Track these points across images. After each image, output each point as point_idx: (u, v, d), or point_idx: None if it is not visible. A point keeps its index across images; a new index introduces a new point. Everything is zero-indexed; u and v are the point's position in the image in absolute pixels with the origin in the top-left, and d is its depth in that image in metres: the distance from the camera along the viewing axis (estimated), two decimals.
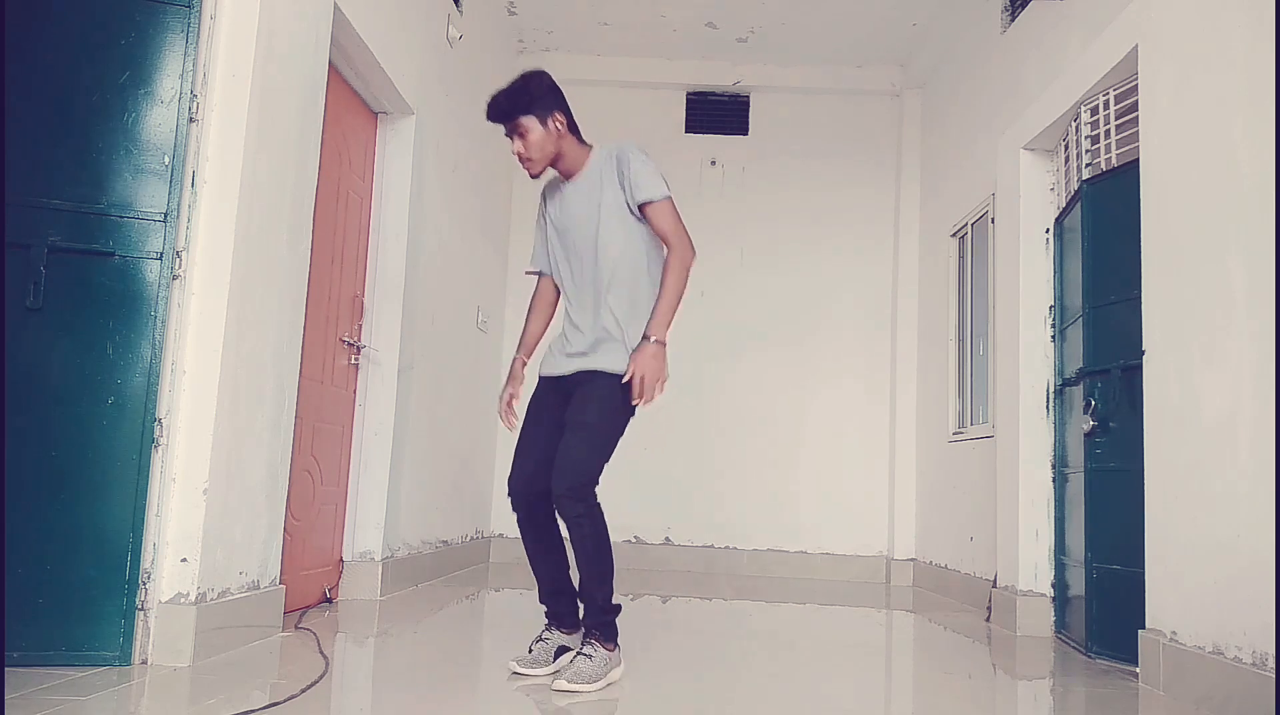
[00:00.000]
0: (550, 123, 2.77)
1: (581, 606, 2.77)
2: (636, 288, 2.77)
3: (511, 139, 2.80)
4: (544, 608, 2.88)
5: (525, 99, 2.76)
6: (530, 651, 2.82)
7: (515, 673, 2.77)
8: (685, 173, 6.60)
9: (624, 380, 2.68)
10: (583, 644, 2.70)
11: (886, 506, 6.28)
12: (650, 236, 2.82)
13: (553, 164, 2.84)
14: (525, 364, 3.02)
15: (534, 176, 2.86)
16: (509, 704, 2.55)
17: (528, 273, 3.06)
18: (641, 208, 2.77)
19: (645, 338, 2.69)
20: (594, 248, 2.78)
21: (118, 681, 2.45)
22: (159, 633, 2.67)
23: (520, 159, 2.80)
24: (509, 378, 2.99)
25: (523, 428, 2.86)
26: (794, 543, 6.29)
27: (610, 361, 2.71)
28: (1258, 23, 2.67)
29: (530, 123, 2.76)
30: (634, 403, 2.69)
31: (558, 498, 2.62)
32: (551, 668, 2.79)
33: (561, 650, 2.83)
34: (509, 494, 2.80)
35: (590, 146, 2.89)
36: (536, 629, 2.96)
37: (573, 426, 2.67)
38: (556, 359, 2.86)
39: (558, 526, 2.80)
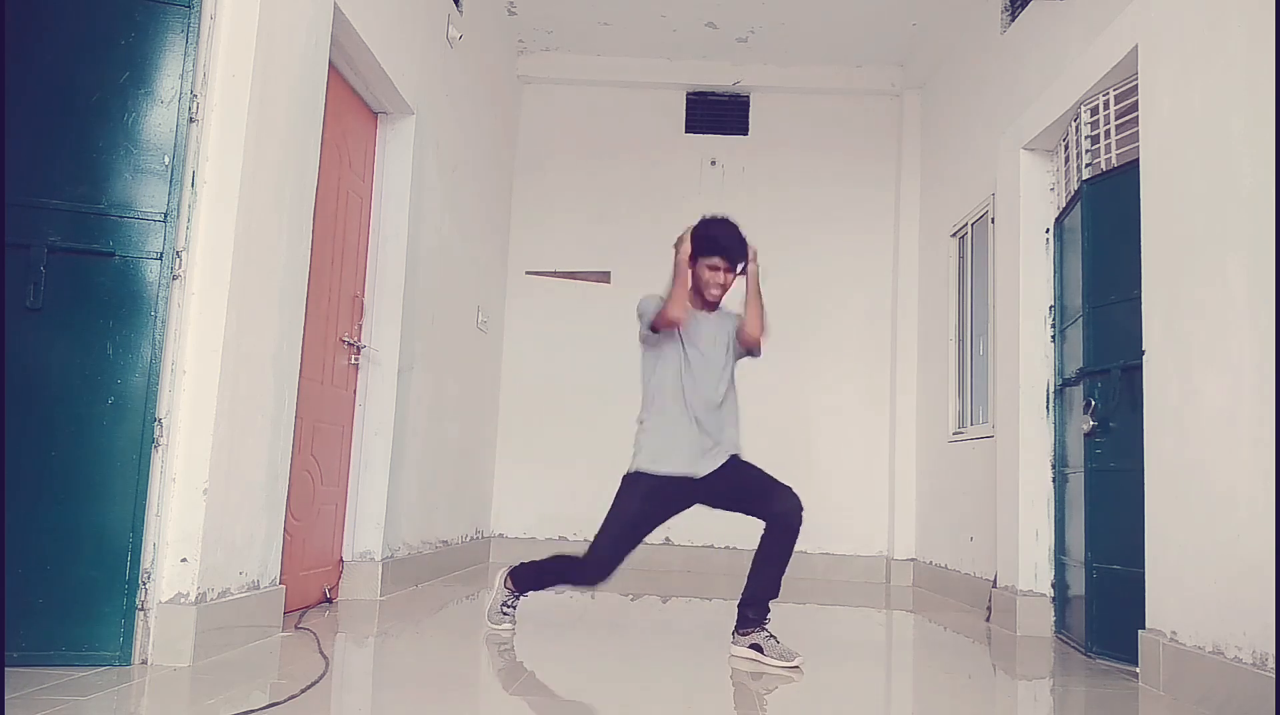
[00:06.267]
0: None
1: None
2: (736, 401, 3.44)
3: (719, 273, 3.35)
4: None
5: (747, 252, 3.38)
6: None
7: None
8: (685, 173, 6.59)
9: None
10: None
11: (886, 506, 6.28)
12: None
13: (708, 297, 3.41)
14: None
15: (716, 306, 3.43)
16: (509, 704, 2.55)
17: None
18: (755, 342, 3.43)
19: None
20: (721, 369, 3.38)
21: (118, 681, 2.45)
22: (159, 633, 2.66)
23: (720, 289, 3.39)
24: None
25: (641, 517, 3.23)
26: None
27: (738, 446, 3.42)
28: (1257, 22, 2.67)
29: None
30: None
31: (798, 513, 3.45)
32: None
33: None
34: (607, 569, 3.21)
35: None
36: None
37: (764, 475, 3.41)
38: (688, 460, 3.26)
39: None
